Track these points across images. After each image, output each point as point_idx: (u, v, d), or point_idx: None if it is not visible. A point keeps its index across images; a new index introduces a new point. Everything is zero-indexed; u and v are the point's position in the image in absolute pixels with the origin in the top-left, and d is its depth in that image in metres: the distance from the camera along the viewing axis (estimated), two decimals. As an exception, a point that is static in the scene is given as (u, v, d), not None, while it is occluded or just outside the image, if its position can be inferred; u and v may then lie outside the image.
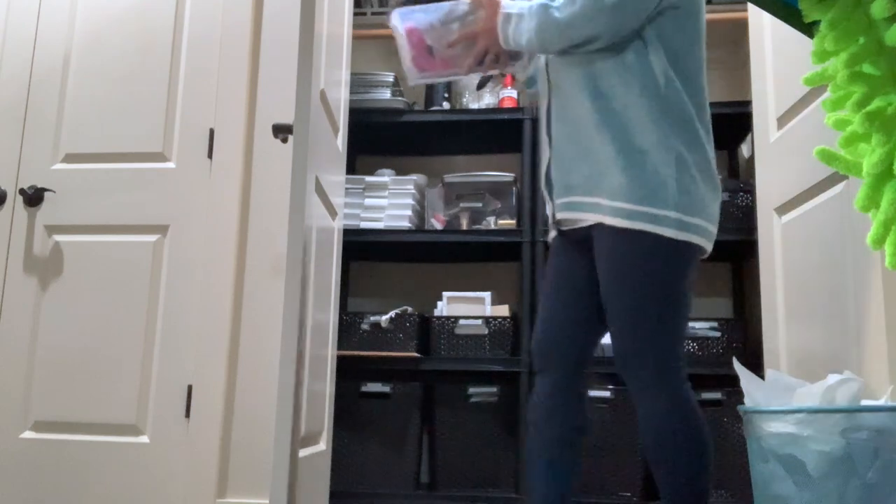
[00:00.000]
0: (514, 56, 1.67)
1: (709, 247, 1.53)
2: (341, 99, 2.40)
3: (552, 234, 1.69)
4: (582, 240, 1.58)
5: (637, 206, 1.45)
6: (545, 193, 1.65)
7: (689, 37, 1.52)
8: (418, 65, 1.65)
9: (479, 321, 2.62)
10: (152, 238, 2.44)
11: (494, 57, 1.62)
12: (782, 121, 2.02)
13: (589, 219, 1.52)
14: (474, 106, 2.91)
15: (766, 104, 2.12)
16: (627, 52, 1.49)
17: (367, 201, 2.76)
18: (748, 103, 2.39)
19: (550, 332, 1.61)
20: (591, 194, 1.51)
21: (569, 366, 1.59)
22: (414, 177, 2.83)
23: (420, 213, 2.87)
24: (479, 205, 2.77)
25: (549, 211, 1.64)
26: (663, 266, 1.46)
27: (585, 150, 1.52)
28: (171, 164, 2.49)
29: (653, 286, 1.46)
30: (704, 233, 1.49)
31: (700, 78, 1.54)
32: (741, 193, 2.58)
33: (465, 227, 2.77)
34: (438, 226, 2.81)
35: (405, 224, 2.73)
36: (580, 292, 1.59)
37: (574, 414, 1.58)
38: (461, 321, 2.63)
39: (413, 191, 2.78)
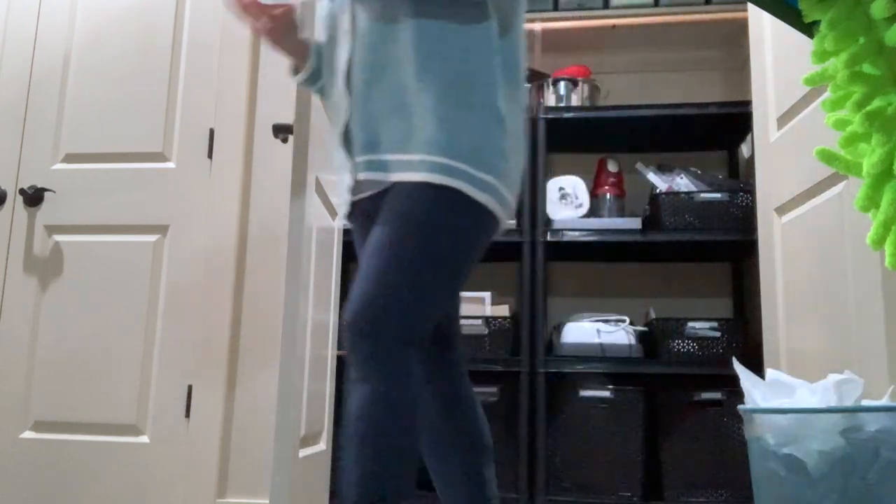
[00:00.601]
0: None
1: (503, 225, 1.38)
2: (341, 99, 2.40)
3: (345, 210, 1.46)
4: (377, 215, 1.38)
5: (458, 163, 1.28)
6: (342, 152, 1.42)
7: (517, 1, 1.42)
8: None
9: (479, 321, 2.62)
10: (152, 238, 2.45)
11: None
12: (782, 121, 2.02)
13: (394, 180, 1.32)
14: (474, 106, 2.90)
15: (766, 104, 2.12)
16: (467, 7, 1.34)
17: (367, 201, 2.76)
18: (748, 103, 2.39)
19: None
20: (401, 151, 1.32)
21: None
22: (414, 177, 2.82)
23: (420, 213, 2.87)
24: (479, 205, 2.76)
25: (346, 172, 1.42)
26: (466, 231, 1.30)
27: (400, 103, 1.33)
28: (171, 164, 2.49)
29: (442, 248, 1.27)
30: (509, 208, 1.36)
31: (521, 48, 1.42)
32: (741, 193, 2.58)
33: (465, 227, 2.77)
34: (438, 226, 2.81)
35: (405, 224, 2.73)
36: None
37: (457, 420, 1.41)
38: (461, 321, 2.63)
39: (413, 191, 2.78)
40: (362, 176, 1.38)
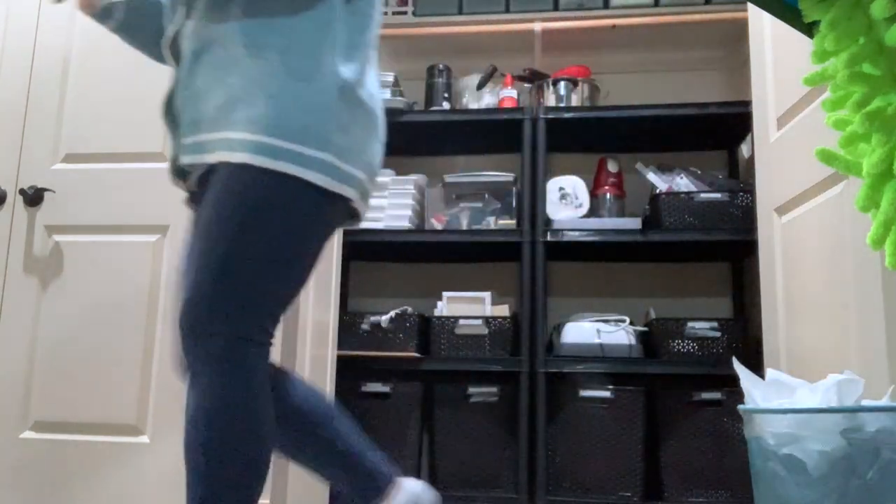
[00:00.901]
0: None
1: (362, 205, 1.29)
2: (341, 99, 2.40)
3: (183, 196, 1.37)
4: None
5: (284, 142, 1.17)
6: (168, 131, 1.32)
7: None
8: None
9: (479, 321, 2.62)
10: (152, 238, 2.44)
11: None
12: (782, 121, 2.02)
13: (214, 161, 1.21)
14: (474, 106, 2.91)
15: (766, 104, 2.12)
16: None
17: (367, 201, 2.76)
18: (748, 103, 2.39)
19: None
20: (222, 129, 1.21)
21: None
22: (414, 177, 2.83)
23: (420, 213, 2.87)
24: (479, 205, 2.77)
25: (172, 154, 1.32)
26: (301, 218, 1.20)
27: (227, 77, 1.22)
28: (171, 164, 2.49)
29: (269, 236, 1.17)
30: (358, 185, 1.26)
31: (372, 15, 1.34)
32: (741, 193, 2.58)
33: (465, 227, 2.77)
34: (438, 226, 2.81)
35: (405, 224, 2.73)
36: None
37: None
38: (461, 321, 2.63)
39: (413, 191, 2.78)
40: (187, 160, 1.27)
